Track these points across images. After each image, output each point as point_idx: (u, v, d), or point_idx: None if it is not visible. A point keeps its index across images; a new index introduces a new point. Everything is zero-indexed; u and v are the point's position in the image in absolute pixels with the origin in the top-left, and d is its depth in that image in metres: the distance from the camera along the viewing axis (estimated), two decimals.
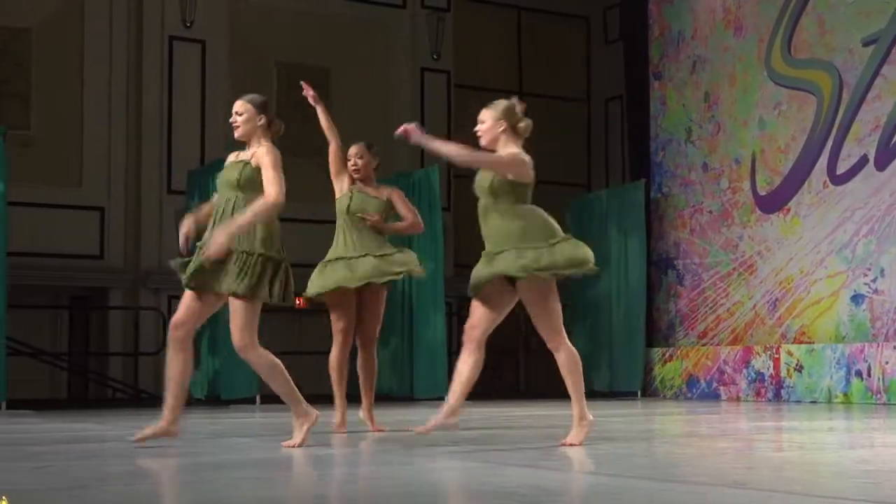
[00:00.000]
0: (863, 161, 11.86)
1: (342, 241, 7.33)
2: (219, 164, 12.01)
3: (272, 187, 5.75)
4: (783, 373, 12.19)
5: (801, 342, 12.22)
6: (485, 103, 6.22)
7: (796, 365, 12.05)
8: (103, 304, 14.33)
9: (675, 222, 14.05)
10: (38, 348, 13.64)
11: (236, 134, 6.03)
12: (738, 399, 12.58)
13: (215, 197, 6.11)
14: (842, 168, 12.07)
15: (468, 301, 6.18)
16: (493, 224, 5.96)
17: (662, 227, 14.21)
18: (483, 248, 6.05)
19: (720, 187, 13.50)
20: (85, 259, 13.98)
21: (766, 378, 12.39)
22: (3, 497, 3.20)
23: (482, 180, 6.01)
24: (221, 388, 12.01)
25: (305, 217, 13.42)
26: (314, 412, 5.89)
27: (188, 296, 5.94)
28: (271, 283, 5.77)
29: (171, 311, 13.88)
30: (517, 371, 16.66)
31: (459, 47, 16.45)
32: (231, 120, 6.04)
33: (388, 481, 4.51)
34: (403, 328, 12.92)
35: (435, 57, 16.17)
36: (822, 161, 12.27)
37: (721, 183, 13.49)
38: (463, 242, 16.22)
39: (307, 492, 4.23)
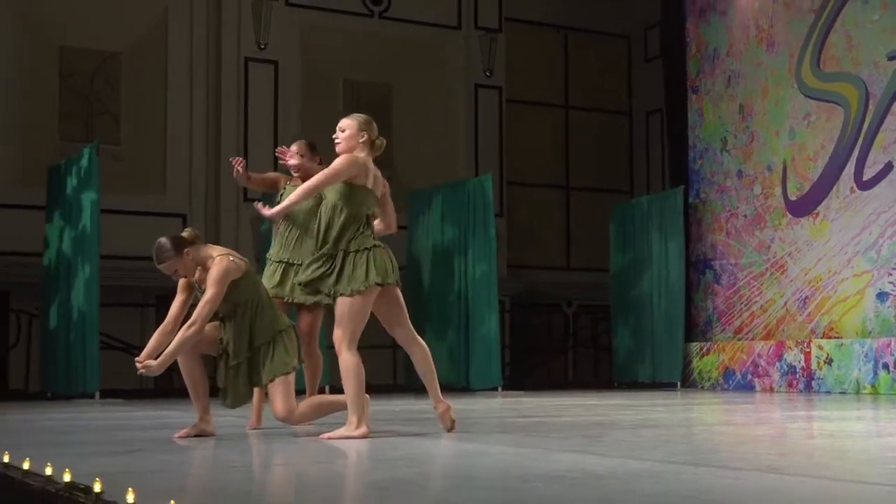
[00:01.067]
0: (887, 168, 11.70)
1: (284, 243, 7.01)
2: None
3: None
4: (814, 365, 12.06)
5: (830, 337, 12.08)
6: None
7: (826, 358, 11.92)
8: None
9: (711, 226, 13.95)
10: (128, 343, 13.79)
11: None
12: (771, 390, 12.46)
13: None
14: (868, 174, 11.92)
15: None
16: None
17: (700, 230, 14.11)
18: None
19: (754, 193, 13.38)
20: None
21: (797, 370, 12.26)
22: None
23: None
24: None
25: None
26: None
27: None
28: None
29: None
30: (566, 363, 16.61)
31: (510, 65, 16.44)
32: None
33: (442, 465, 4.52)
34: (460, 324, 12.93)
35: (488, 74, 16.16)
36: (850, 168, 12.13)
37: (755, 189, 13.37)
38: (515, 245, 16.23)
39: (365, 477, 4.24)
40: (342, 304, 5.57)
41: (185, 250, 5.80)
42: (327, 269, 5.63)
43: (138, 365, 5.70)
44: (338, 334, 5.58)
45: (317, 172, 6.17)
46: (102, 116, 14.14)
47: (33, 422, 7.67)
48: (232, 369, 5.85)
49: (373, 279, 5.55)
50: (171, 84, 14.34)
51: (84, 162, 11.29)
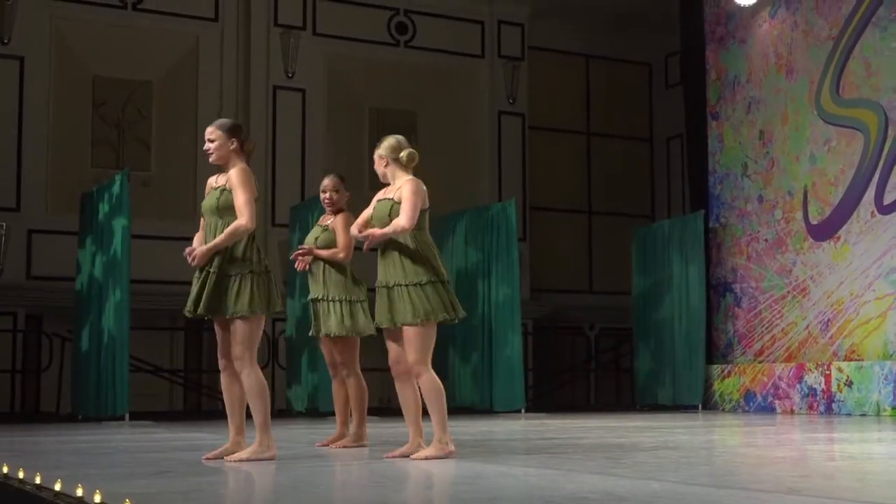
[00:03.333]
0: None
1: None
2: (317, 200, 12.11)
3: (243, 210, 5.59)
4: (834, 388, 11.97)
5: (850, 359, 12.00)
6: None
7: (846, 381, 11.83)
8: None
9: (732, 249, 13.90)
10: (157, 365, 13.85)
11: (210, 160, 5.77)
12: (792, 412, 12.37)
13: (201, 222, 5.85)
14: (888, 199, 11.87)
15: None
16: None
17: (720, 254, 14.07)
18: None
19: (774, 217, 13.34)
20: None
21: (818, 393, 12.17)
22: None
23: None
24: (319, 401, 12.07)
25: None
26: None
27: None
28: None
29: (276, 332, 14.10)
30: (588, 385, 16.56)
31: (533, 92, 16.47)
32: (204, 147, 5.78)
33: (467, 486, 4.51)
34: (483, 347, 12.92)
35: (511, 101, 16.21)
36: (870, 192, 12.07)
37: (775, 213, 13.33)
38: (538, 269, 16.22)
39: (384, 498, 4.24)
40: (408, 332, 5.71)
41: (238, 139, 5.77)
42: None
43: (186, 253, 5.69)
44: (411, 357, 5.68)
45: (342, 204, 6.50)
46: (133, 143, 14.25)
47: (64, 443, 7.70)
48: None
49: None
50: (201, 111, 14.44)
51: (115, 188, 11.38)
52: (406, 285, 5.72)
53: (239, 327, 5.64)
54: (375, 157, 6.03)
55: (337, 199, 7.18)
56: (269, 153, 14.75)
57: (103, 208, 11.60)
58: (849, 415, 11.59)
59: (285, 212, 13.78)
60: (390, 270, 5.78)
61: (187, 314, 5.76)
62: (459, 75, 16.08)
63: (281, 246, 14.02)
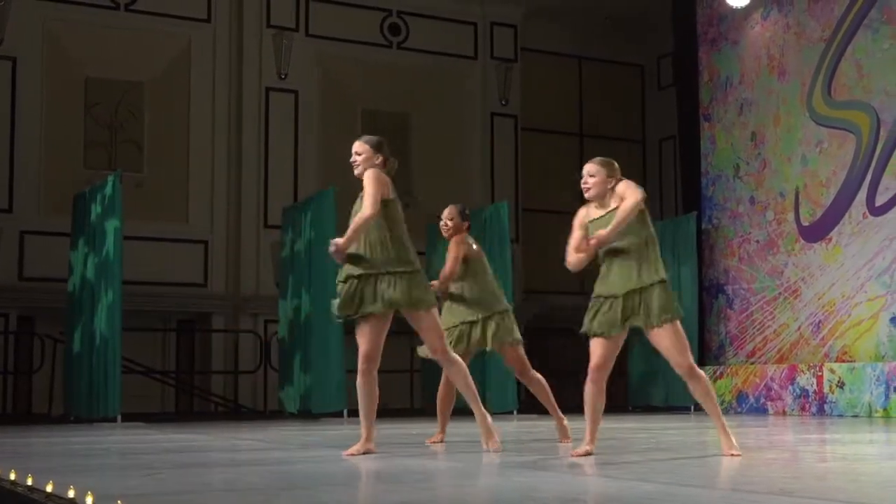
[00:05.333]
0: None
1: None
2: (310, 201, 12.17)
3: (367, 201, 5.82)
4: (826, 389, 11.99)
5: (842, 361, 12.02)
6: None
7: (838, 382, 11.85)
8: (207, 328, 14.49)
9: (724, 251, 13.92)
10: (149, 367, 13.82)
11: (356, 173, 6.02)
12: (784, 413, 12.39)
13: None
14: (880, 200, 11.89)
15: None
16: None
17: (713, 255, 14.08)
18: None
19: (766, 219, 13.35)
20: (190, 287, 14.16)
21: (810, 394, 12.19)
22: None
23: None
24: (311, 402, 12.04)
25: None
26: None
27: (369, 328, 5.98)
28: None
29: (268, 333, 14.07)
30: (580, 386, 16.53)
31: (526, 94, 16.48)
32: (351, 160, 6.04)
33: (459, 487, 4.50)
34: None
35: (503, 103, 16.21)
36: (862, 194, 12.09)
37: (767, 215, 13.35)
38: (530, 271, 16.21)
39: (386, 498, 4.23)
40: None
41: (383, 155, 6.06)
42: None
43: (331, 245, 5.86)
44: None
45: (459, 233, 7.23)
46: (126, 145, 14.23)
47: (56, 445, 7.69)
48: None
49: None
50: (194, 113, 14.43)
51: (108, 189, 11.36)
52: None
53: (428, 319, 6.00)
54: None
55: (451, 226, 7.59)
56: (262, 154, 14.73)
57: (96, 209, 11.58)
58: (841, 416, 11.61)
59: (278, 213, 13.76)
60: None
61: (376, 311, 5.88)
62: (452, 76, 16.07)
63: (273, 247, 14.01)
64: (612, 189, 5.95)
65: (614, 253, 5.85)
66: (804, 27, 13.00)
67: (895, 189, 11.71)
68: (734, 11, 13.86)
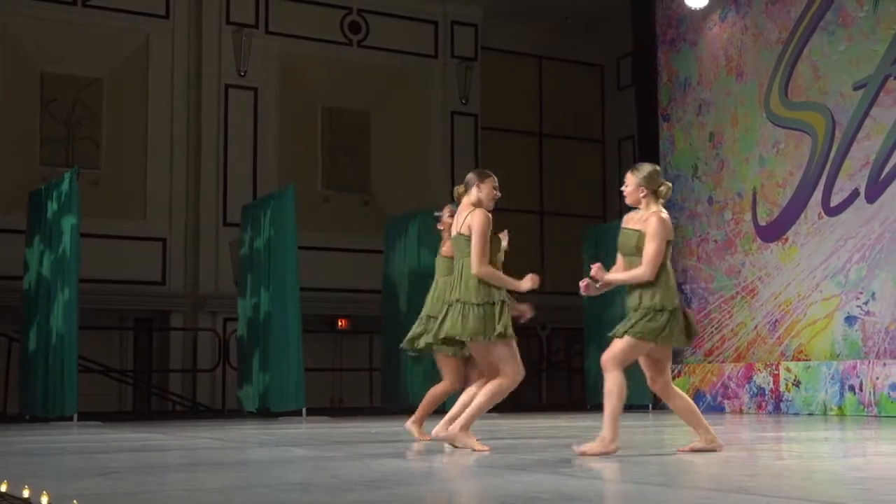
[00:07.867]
0: (854, 194, 11.79)
1: None
2: (269, 199, 12.03)
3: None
4: (782, 387, 12.09)
5: (798, 359, 12.13)
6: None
7: (794, 380, 11.96)
8: (165, 326, 14.39)
9: (683, 250, 14.00)
10: (107, 366, 13.71)
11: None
12: (740, 412, 12.48)
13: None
14: (835, 201, 12.01)
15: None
16: None
17: (672, 254, 14.14)
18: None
19: (724, 219, 13.45)
20: (149, 285, 14.06)
21: (766, 392, 12.29)
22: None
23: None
24: (270, 401, 11.98)
25: (347, 246, 13.47)
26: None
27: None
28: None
29: (227, 332, 13.99)
30: (539, 385, 16.60)
31: (486, 93, 16.50)
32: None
33: (417, 486, 4.50)
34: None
35: (463, 102, 16.22)
36: (817, 194, 12.21)
37: (725, 215, 13.44)
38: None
39: (344, 498, 4.22)
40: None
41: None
42: None
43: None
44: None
45: None
46: (83, 141, 14.09)
47: (11, 444, 7.60)
48: None
49: None
50: (152, 110, 14.32)
51: (64, 186, 11.24)
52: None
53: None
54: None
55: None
56: (221, 152, 14.64)
57: (52, 206, 11.46)
58: (797, 414, 11.72)
59: (237, 211, 13.68)
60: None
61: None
62: (412, 75, 16.06)
63: (232, 245, 13.93)
64: (646, 198, 6.05)
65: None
66: (762, 29, 13.11)
67: (850, 190, 11.84)
68: (693, 13, 13.94)
